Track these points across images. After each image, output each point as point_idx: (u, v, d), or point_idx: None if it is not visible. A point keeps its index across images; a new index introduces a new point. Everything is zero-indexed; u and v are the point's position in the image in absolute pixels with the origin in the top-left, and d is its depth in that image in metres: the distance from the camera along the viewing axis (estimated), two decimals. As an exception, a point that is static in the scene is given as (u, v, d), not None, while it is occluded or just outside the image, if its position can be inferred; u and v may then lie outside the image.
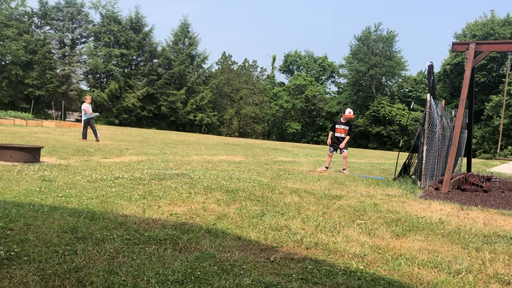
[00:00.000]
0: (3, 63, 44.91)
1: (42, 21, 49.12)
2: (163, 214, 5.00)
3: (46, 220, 4.33)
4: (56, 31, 49.37)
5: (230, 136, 55.92)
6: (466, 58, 9.37)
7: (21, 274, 2.91)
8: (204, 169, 9.71)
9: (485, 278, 3.54)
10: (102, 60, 49.12)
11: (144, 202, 5.55)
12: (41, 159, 9.36)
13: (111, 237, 3.92)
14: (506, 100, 42.80)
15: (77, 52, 50.49)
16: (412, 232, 4.94)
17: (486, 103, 45.22)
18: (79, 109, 48.59)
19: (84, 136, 16.65)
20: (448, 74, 51.24)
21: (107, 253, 3.46)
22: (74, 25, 50.73)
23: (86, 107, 16.72)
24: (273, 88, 65.65)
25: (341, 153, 11.54)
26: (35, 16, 48.57)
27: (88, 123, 16.75)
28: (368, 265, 3.68)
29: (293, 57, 67.92)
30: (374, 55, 54.85)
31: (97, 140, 16.53)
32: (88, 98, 17.24)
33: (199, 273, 3.18)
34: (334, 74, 67.66)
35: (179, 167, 9.69)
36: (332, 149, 11.51)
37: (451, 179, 9.20)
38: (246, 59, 66.64)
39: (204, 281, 3.04)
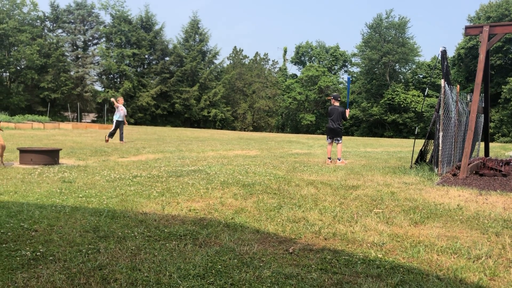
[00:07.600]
0: (18, 68, 45.57)
1: (54, 25, 49.59)
2: (182, 210, 5.08)
3: (69, 220, 4.44)
4: (68, 34, 49.83)
5: (245, 130, 55.97)
6: (480, 41, 9.23)
7: (48, 273, 3.01)
8: (220, 164, 9.78)
9: (505, 262, 3.54)
10: (115, 61, 49.46)
11: (163, 199, 5.63)
12: (60, 161, 9.54)
13: (132, 234, 4.01)
14: (523, 82, 41.97)
15: (90, 53, 50.93)
16: (430, 219, 4.94)
17: (503, 86, 44.38)
18: (94, 110, 49.25)
19: (113, 135, 16.21)
20: (462, 58, 50.40)
21: (129, 251, 3.54)
22: (86, 27, 51.14)
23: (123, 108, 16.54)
24: (286, 81, 65.34)
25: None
26: (47, 20, 49.07)
27: (120, 124, 16.42)
28: (387, 253, 3.70)
29: (304, 48, 67.43)
30: (387, 43, 54.22)
31: (123, 142, 16.11)
32: (121, 99, 16.83)
33: (219, 266, 3.24)
34: (346, 64, 67.02)
35: (195, 164, 9.78)
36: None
37: (468, 164, 9.11)
38: (257, 53, 66.46)
39: (224, 274, 3.10)
